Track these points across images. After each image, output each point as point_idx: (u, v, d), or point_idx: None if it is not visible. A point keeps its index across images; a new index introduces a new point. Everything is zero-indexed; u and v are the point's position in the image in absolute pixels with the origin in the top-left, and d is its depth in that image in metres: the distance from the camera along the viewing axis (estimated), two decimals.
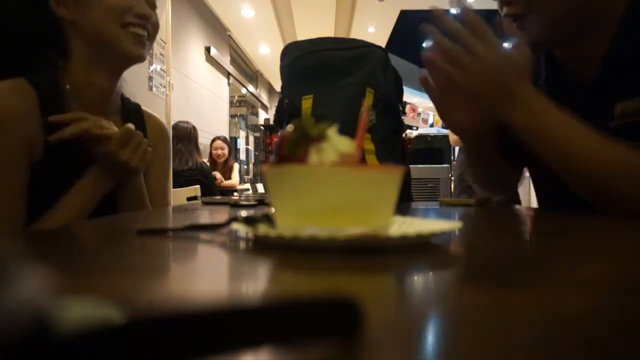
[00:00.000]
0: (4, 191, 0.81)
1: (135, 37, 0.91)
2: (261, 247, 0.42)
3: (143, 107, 1.11)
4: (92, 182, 0.89)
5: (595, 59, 0.81)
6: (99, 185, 0.90)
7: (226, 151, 4.58)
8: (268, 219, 0.45)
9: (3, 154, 0.81)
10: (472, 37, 0.73)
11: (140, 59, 0.94)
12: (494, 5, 0.89)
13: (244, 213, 0.72)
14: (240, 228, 0.44)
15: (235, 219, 0.47)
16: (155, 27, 0.96)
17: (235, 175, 4.68)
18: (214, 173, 4.12)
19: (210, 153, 4.61)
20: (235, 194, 4.04)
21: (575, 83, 0.86)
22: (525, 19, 0.81)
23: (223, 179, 4.43)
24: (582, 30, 0.80)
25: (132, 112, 1.06)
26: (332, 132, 0.40)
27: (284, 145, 0.40)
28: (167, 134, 1.16)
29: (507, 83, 0.73)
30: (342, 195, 0.38)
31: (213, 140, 4.64)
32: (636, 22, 0.76)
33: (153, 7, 0.96)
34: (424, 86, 0.87)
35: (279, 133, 1.17)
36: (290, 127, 0.41)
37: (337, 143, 0.40)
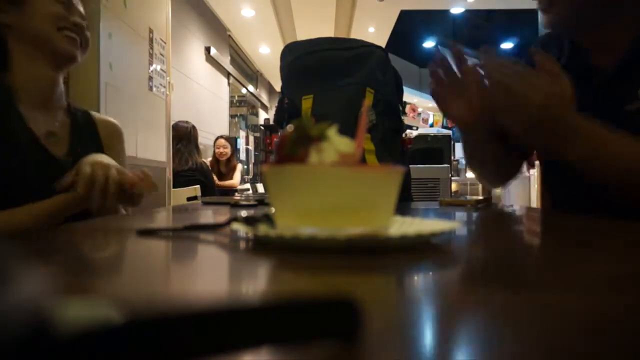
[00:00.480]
0: None
1: (69, 39, 0.99)
2: (261, 247, 0.42)
3: (92, 112, 1.17)
4: (60, 206, 0.92)
5: (617, 44, 0.82)
6: (65, 211, 0.93)
7: (229, 150, 4.58)
8: (268, 219, 0.45)
9: None
10: (521, 67, 0.73)
11: (73, 58, 1.01)
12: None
13: (244, 213, 0.72)
14: (240, 228, 0.44)
15: (235, 219, 0.47)
16: (86, 40, 1.04)
17: (237, 176, 4.68)
18: None
19: (214, 152, 4.61)
20: (236, 194, 4.04)
21: (593, 66, 0.87)
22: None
23: (218, 180, 4.42)
24: (608, 13, 0.82)
25: (80, 114, 1.12)
26: (332, 132, 0.40)
27: (284, 145, 0.40)
28: (120, 132, 1.21)
29: (556, 112, 0.72)
30: (342, 195, 0.38)
31: (217, 139, 4.64)
32: None
33: (83, 19, 1.04)
34: (433, 77, 0.87)
35: (279, 133, 1.17)
36: (290, 127, 0.41)
37: (337, 143, 0.39)
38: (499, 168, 1.02)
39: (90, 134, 1.12)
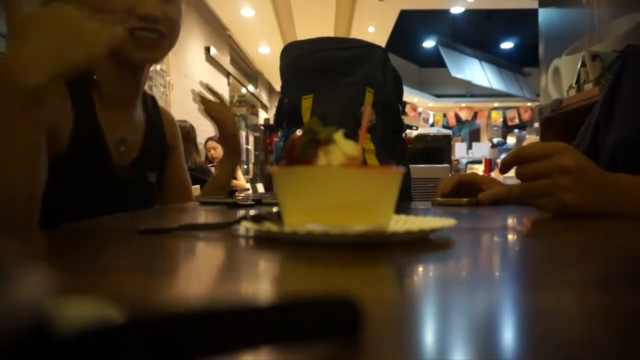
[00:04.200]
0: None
1: (141, 41, 0.84)
2: (262, 247, 0.43)
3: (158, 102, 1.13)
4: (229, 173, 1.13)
5: None
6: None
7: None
8: (274, 218, 0.46)
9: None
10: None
11: (150, 62, 0.92)
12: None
13: (243, 212, 0.72)
14: (248, 227, 0.46)
15: (244, 217, 0.47)
16: (171, 24, 0.87)
17: (241, 175, 4.68)
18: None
19: (206, 155, 4.60)
20: (235, 193, 4.03)
21: None
22: None
23: None
24: None
25: (151, 105, 1.06)
26: (339, 135, 0.43)
27: (295, 148, 0.42)
28: (177, 125, 1.18)
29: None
30: (348, 195, 0.41)
31: (207, 141, 4.63)
32: None
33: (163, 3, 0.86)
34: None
35: (279, 133, 1.18)
36: (299, 131, 0.43)
37: (343, 146, 0.42)
38: None
39: (159, 135, 1.06)
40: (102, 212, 0.84)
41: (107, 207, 0.87)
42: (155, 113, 1.06)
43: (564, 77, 2.68)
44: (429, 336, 0.20)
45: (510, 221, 0.75)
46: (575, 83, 2.38)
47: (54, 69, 0.60)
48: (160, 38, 0.86)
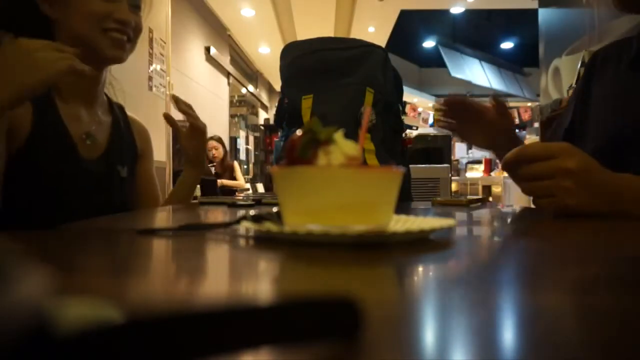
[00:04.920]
0: None
1: (114, 41, 0.93)
2: (262, 247, 0.43)
3: (126, 110, 1.15)
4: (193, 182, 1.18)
5: None
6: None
7: (221, 150, 4.56)
8: (274, 218, 0.46)
9: None
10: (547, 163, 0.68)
11: (118, 60, 0.97)
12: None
13: (243, 212, 0.72)
14: (245, 227, 0.45)
15: (244, 217, 0.47)
16: (137, 30, 0.98)
17: (240, 175, 4.68)
18: None
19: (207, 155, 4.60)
20: (235, 193, 4.03)
21: None
22: None
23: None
24: None
25: (118, 110, 1.10)
26: (339, 135, 0.43)
27: (295, 148, 0.42)
28: (150, 138, 1.21)
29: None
30: (349, 195, 0.41)
31: (207, 141, 4.63)
32: None
33: (136, 8, 0.98)
34: (438, 124, 0.90)
35: (279, 133, 1.18)
36: (299, 132, 0.43)
37: (343, 146, 0.42)
38: None
39: (128, 137, 1.09)
40: (76, 206, 0.87)
41: (80, 201, 0.90)
42: (123, 119, 1.10)
43: (564, 77, 2.68)
44: (429, 336, 0.20)
45: (511, 221, 0.75)
46: (575, 83, 2.38)
47: (12, 93, 0.71)
48: (128, 40, 0.97)
